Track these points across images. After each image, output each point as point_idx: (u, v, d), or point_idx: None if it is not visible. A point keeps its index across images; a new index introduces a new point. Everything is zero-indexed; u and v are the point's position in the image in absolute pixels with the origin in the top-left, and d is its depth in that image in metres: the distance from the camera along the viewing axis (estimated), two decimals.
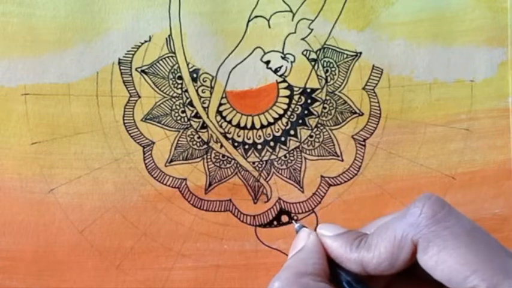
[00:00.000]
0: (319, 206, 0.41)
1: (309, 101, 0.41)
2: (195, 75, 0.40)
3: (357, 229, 0.32)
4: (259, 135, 0.41)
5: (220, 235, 0.41)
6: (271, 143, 0.41)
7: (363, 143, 0.41)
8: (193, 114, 0.41)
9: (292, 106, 0.41)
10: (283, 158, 0.41)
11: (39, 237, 0.40)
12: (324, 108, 0.41)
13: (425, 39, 0.41)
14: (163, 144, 0.41)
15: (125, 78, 0.40)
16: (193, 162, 0.41)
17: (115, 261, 0.40)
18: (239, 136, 0.41)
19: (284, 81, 0.41)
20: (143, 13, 0.40)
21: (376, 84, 0.41)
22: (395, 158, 0.41)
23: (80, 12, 0.39)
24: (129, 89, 0.40)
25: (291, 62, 0.41)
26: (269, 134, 0.41)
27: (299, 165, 0.41)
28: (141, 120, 0.40)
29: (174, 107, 0.41)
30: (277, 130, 0.41)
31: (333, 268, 0.30)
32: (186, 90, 0.41)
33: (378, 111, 0.41)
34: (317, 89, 0.41)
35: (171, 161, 0.41)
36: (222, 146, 0.41)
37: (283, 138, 0.41)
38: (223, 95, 0.41)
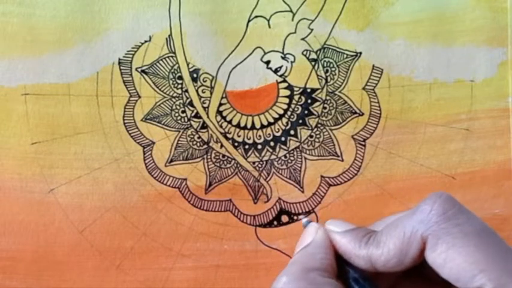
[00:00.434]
0: (319, 206, 0.41)
1: (309, 101, 0.41)
2: (195, 75, 0.40)
3: (364, 226, 0.32)
4: (259, 135, 0.41)
5: (220, 235, 0.41)
6: (271, 143, 0.41)
7: (363, 143, 0.41)
8: (193, 114, 0.41)
9: (292, 106, 0.41)
10: (283, 158, 0.41)
11: (39, 237, 0.40)
12: (324, 108, 0.41)
13: (425, 39, 0.41)
14: (164, 144, 0.40)
15: (125, 78, 0.40)
16: (194, 162, 0.41)
17: (115, 261, 0.40)
18: (239, 136, 0.41)
19: (284, 81, 0.41)
20: (143, 13, 0.40)
21: (376, 84, 0.41)
22: (395, 158, 0.41)
23: (80, 12, 0.39)
24: (129, 89, 0.40)
25: (291, 62, 0.41)
26: (269, 134, 0.41)
27: (299, 165, 0.41)
28: (141, 120, 0.40)
29: (174, 107, 0.41)
30: (277, 130, 0.41)
31: (340, 264, 0.30)
32: (186, 90, 0.41)
33: (378, 111, 0.41)
34: (317, 89, 0.41)
35: (171, 161, 0.41)
36: (222, 146, 0.41)
37: (283, 138, 0.41)
38: (224, 95, 0.41)
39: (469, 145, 0.42)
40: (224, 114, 0.41)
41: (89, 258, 0.40)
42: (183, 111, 0.41)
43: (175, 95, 0.41)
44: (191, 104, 0.41)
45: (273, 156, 0.41)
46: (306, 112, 0.41)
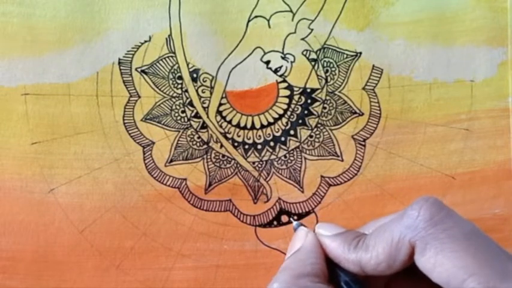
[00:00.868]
0: (319, 206, 0.41)
1: (309, 101, 0.41)
2: (195, 75, 0.40)
3: (355, 229, 0.32)
4: (259, 135, 0.41)
5: (220, 235, 0.41)
6: (271, 143, 0.41)
7: (363, 143, 0.41)
8: (193, 114, 0.41)
9: (292, 106, 0.41)
10: (283, 158, 0.41)
11: (39, 237, 0.40)
12: (324, 108, 0.41)
13: (425, 39, 0.41)
14: (163, 144, 0.41)
15: (124, 78, 0.40)
16: (193, 162, 0.41)
17: (115, 261, 0.40)
18: (239, 136, 0.41)
19: (284, 81, 0.41)
20: (143, 13, 0.40)
21: (376, 84, 0.41)
22: (395, 158, 0.41)
23: (80, 12, 0.39)
24: (129, 89, 0.40)
25: (291, 62, 0.41)
26: (269, 134, 0.41)
27: (299, 165, 0.41)
28: (141, 120, 0.40)
29: (174, 107, 0.41)
30: (277, 130, 0.41)
31: (331, 268, 0.30)
32: (186, 90, 0.41)
33: (378, 111, 0.41)
34: (317, 89, 0.41)
35: (171, 161, 0.41)
36: (222, 146, 0.41)
37: (283, 138, 0.41)
38: (223, 95, 0.41)
39: (469, 145, 0.42)
40: (224, 114, 0.41)
41: (89, 258, 0.40)
42: (183, 111, 0.41)
43: (175, 95, 0.41)
44: (191, 104, 0.41)
45: (272, 156, 0.41)
46: (305, 112, 0.41)
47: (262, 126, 0.41)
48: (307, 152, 0.41)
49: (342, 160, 0.41)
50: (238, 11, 0.40)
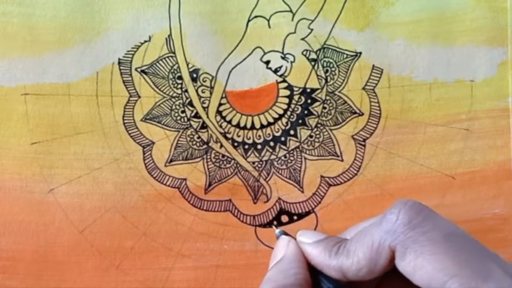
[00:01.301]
0: (319, 206, 0.41)
1: (309, 101, 0.41)
2: (194, 75, 0.40)
3: (336, 235, 0.32)
4: (259, 135, 0.41)
5: (220, 235, 0.41)
6: (271, 143, 0.41)
7: (363, 143, 0.41)
8: (193, 114, 0.41)
9: (292, 106, 0.41)
10: (283, 158, 0.41)
11: (39, 237, 0.40)
12: (324, 108, 0.41)
13: (425, 39, 0.41)
14: (163, 144, 0.41)
15: (124, 78, 0.40)
16: (193, 162, 0.41)
17: (115, 261, 0.40)
18: (239, 136, 0.41)
19: (284, 81, 0.41)
20: (143, 13, 0.40)
21: (376, 84, 0.41)
22: (395, 158, 0.41)
23: (80, 12, 0.39)
24: (129, 89, 0.40)
25: (291, 62, 0.41)
26: (269, 134, 0.41)
27: (299, 165, 0.41)
28: (141, 120, 0.40)
29: (174, 107, 0.41)
30: (277, 130, 0.41)
31: (314, 276, 0.30)
32: (186, 90, 0.41)
33: (378, 111, 0.41)
34: (317, 89, 0.41)
35: (171, 161, 0.41)
36: (221, 146, 0.41)
37: (283, 138, 0.41)
38: (223, 95, 0.41)
39: (469, 145, 0.42)
40: (224, 114, 0.41)
41: (89, 258, 0.40)
42: (183, 111, 0.41)
43: (175, 95, 0.41)
44: (191, 104, 0.41)
45: (272, 156, 0.41)
46: (305, 112, 0.41)
47: (262, 126, 0.41)
48: (307, 152, 0.41)
49: (342, 160, 0.41)
50: (238, 11, 0.40)
